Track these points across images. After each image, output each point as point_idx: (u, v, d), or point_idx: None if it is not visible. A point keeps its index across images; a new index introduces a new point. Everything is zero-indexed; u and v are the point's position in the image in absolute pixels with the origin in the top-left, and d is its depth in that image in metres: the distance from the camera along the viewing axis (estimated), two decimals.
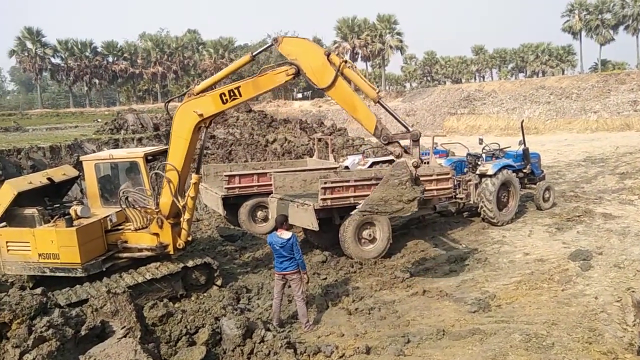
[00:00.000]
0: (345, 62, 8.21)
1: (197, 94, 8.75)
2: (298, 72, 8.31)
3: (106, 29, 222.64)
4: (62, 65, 77.89)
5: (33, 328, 5.90)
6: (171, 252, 9.29)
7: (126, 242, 9.15)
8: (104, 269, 8.76)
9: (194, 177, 9.16)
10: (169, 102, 10.83)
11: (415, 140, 8.08)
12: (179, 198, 9.03)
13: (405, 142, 8.23)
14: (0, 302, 6.56)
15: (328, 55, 8.21)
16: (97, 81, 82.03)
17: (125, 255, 9.16)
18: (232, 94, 8.61)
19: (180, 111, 8.88)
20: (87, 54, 78.01)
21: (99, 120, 41.70)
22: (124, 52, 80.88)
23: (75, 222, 8.56)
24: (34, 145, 18.55)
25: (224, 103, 8.66)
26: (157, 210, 9.05)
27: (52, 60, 77.42)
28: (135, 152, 9.69)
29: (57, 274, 8.59)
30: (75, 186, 10.52)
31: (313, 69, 8.25)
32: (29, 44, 74.19)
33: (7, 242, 8.73)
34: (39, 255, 8.51)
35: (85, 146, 20.86)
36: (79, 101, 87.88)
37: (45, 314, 6.24)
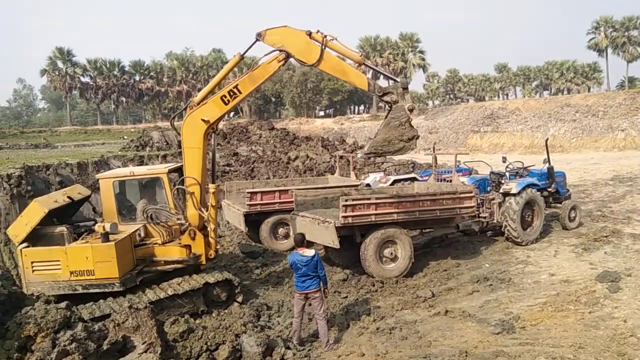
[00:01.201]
0: (326, 36, 8.99)
1: (198, 103, 9.11)
2: (288, 56, 9.01)
3: (134, 48, 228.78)
4: (91, 83, 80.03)
5: (57, 342, 6.01)
6: (203, 262, 9.49)
7: (153, 255, 9.26)
8: (138, 283, 8.85)
9: (211, 187, 9.43)
10: (173, 118, 11.07)
11: (405, 88, 9.08)
12: (203, 210, 9.21)
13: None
14: (26, 316, 6.69)
15: (310, 35, 8.92)
16: (124, 99, 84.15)
17: (154, 268, 9.27)
18: (232, 94, 9.06)
19: (187, 123, 9.17)
20: (115, 72, 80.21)
21: (125, 137, 42.60)
22: (151, 70, 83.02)
23: (110, 238, 8.64)
24: (62, 162, 18.96)
25: (226, 104, 9.11)
26: (187, 223, 9.23)
27: (82, 79, 79.70)
28: (157, 169, 9.82)
29: (91, 291, 8.50)
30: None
31: (299, 49, 9.00)
32: (59, 64, 76.67)
33: (32, 262, 8.49)
34: (71, 273, 8.42)
35: (112, 163, 21.27)
36: (106, 119, 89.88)
37: (69, 328, 6.35)
